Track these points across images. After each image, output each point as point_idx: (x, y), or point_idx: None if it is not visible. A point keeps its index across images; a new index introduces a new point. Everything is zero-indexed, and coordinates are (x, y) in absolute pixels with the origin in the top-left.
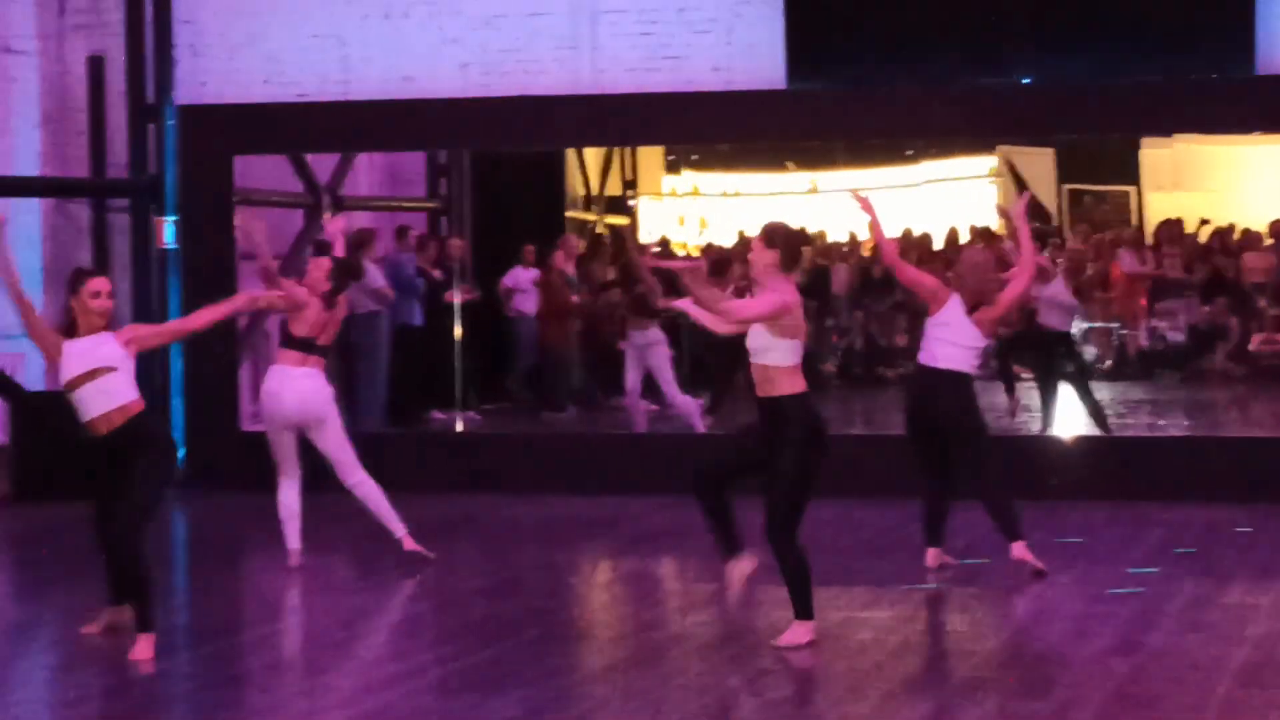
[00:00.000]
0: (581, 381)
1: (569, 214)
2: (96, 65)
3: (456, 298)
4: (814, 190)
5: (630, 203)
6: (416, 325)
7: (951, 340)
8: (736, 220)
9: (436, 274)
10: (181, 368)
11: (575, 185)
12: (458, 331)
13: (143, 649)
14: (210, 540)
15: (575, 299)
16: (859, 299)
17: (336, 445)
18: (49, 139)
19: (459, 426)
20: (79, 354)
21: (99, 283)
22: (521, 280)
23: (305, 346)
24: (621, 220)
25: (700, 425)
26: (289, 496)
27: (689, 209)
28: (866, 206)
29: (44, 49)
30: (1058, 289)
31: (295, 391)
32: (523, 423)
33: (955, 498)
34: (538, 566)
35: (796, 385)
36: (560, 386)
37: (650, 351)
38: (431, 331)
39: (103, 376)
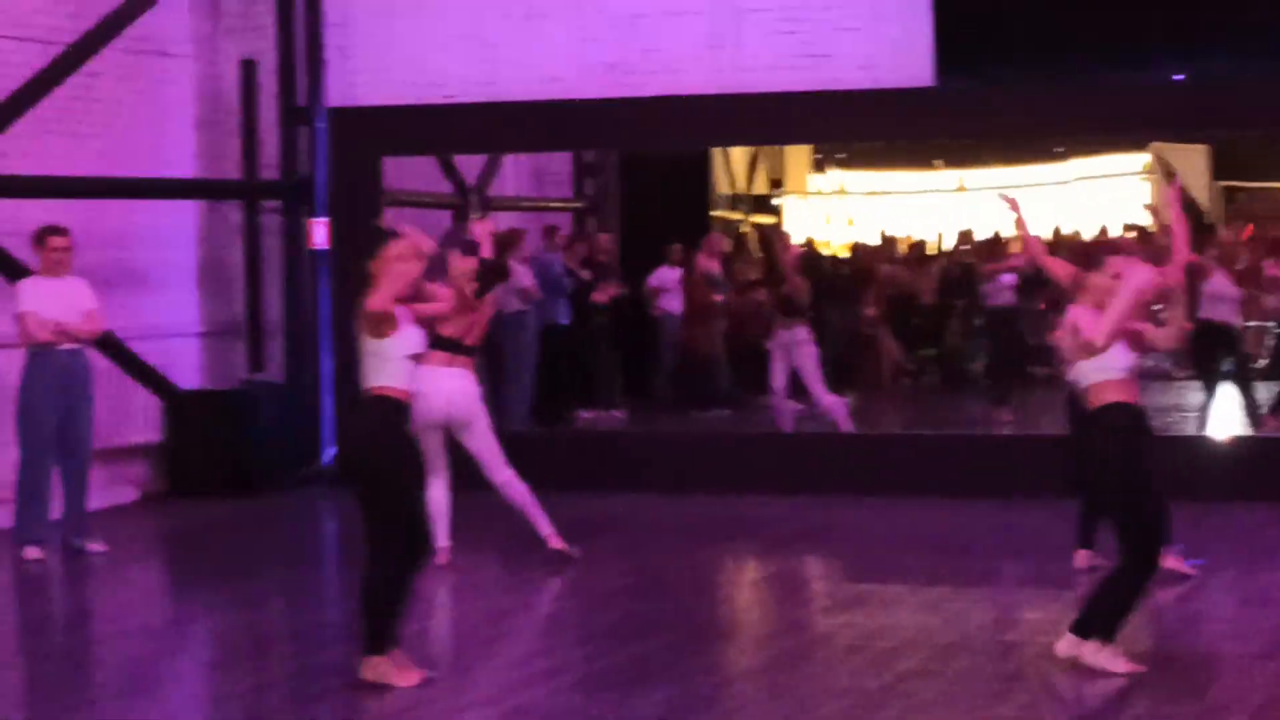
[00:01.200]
0: (727, 381)
1: (715, 213)
2: (249, 68)
3: (603, 297)
4: (962, 188)
5: (776, 201)
6: (563, 324)
7: None
8: (883, 219)
9: (583, 273)
10: (331, 365)
11: (721, 184)
12: (604, 331)
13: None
14: (357, 536)
15: (720, 298)
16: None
17: (484, 444)
18: (202, 141)
19: (604, 426)
20: (416, 334)
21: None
22: (667, 279)
23: (453, 347)
24: (767, 219)
25: (847, 424)
26: (437, 494)
27: (835, 207)
28: (1014, 206)
29: (198, 53)
30: (1220, 282)
31: (443, 391)
32: (668, 422)
33: None
34: (682, 566)
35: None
36: (705, 386)
37: (796, 350)
38: (578, 331)
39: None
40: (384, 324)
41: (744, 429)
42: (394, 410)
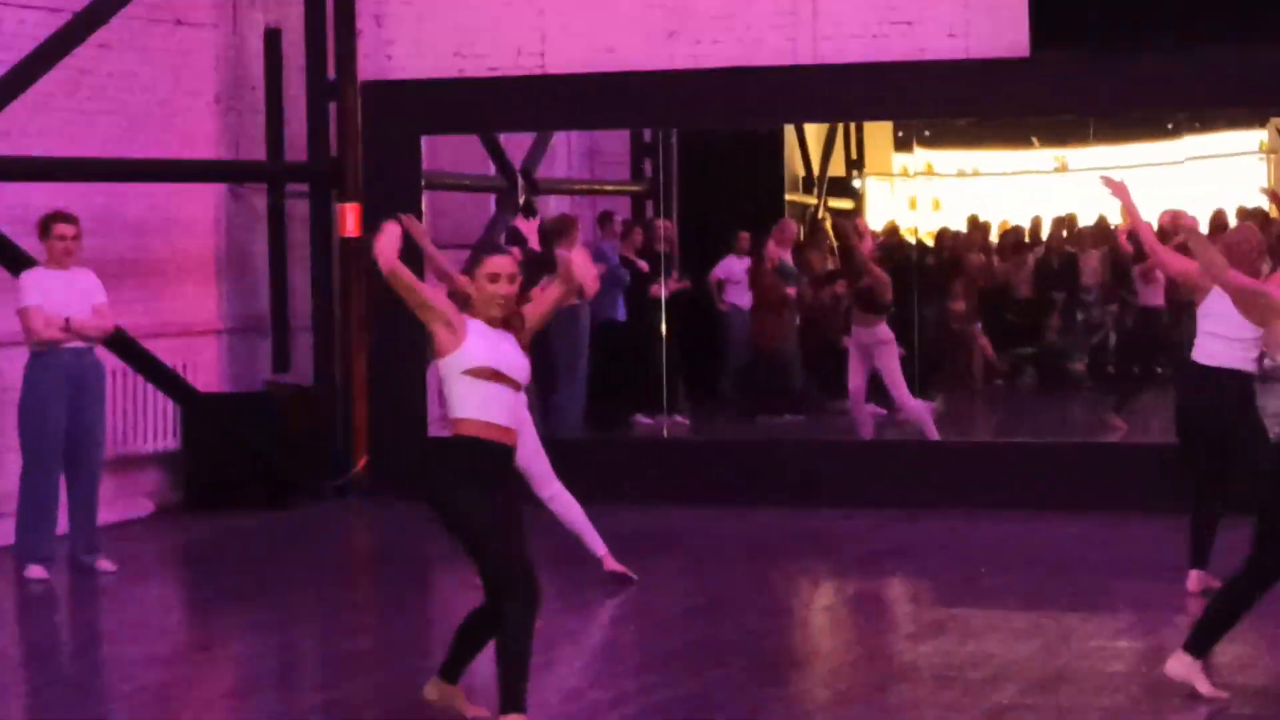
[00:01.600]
0: (800, 383)
1: (788, 197)
2: (273, 39)
3: (664, 290)
4: (1062, 168)
5: (856, 184)
6: (620, 321)
7: (1220, 333)
8: (974, 202)
9: (642, 264)
10: (366, 366)
11: (795, 165)
12: (665, 327)
13: None
14: (395, 553)
15: (793, 291)
16: (1112, 289)
17: (530, 454)
18: (223, 119)
19: (665, 432)
20: (491, 346)
21: (499, 262)
22: (734, 270)
23: None
24: (846, 204)
25: (934, 431)
26: None
27: (921, 190)
28: (1118, 191)
29: (218, 21)
30: None
31: None
32: (735, 428)
33: (1228, 513)
34: (750, 587)
35: None
36: (776, 388)
37: (877, 349)
38: (636, 327)
39: (509, 387)
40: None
41: (819, 436)
42: (459, 455)
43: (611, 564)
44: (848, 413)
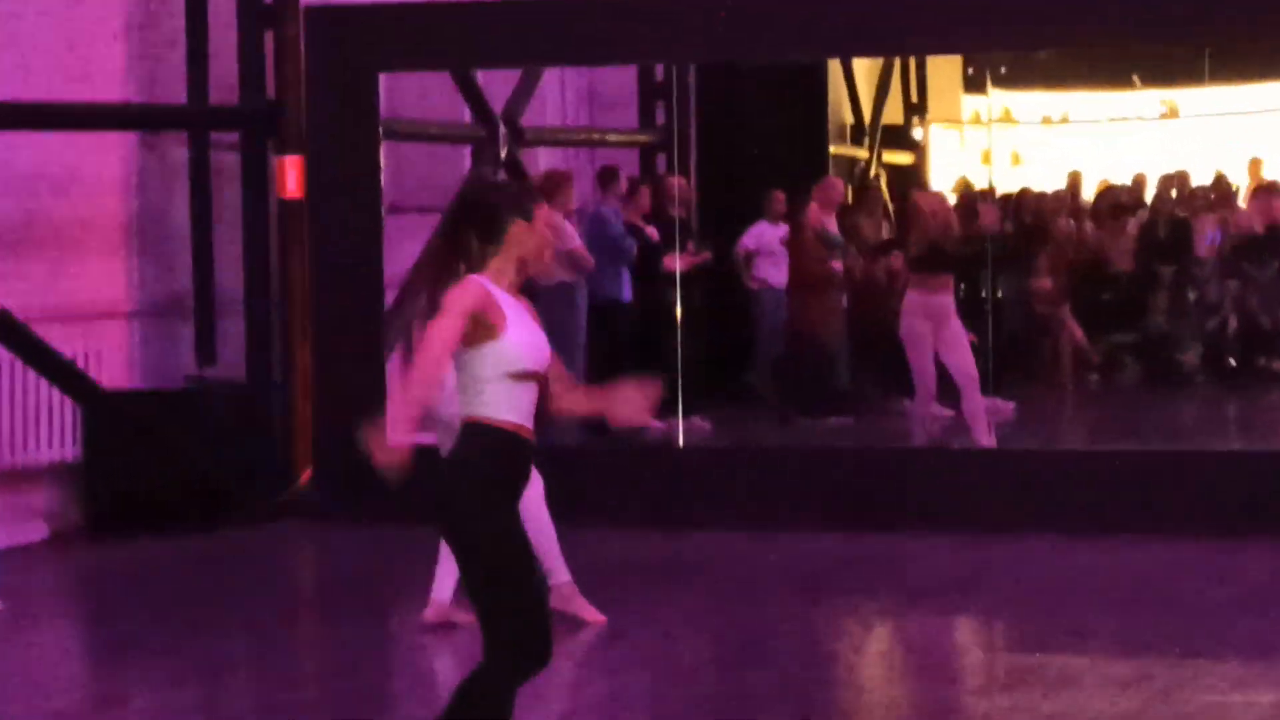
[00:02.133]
0: (847, 377)
1: (833, 149)
2: None
3: (678, 264)
4: (1171, 114)
5: (916, 133)
6: (625, 301)
7: None
8: (1062, 156)
9: (651, 232)
10: (310, 357)
11: (841, 110)
12: (680, 309)
13: None
14: (348, 586)
15: (838, 265)
16: (1233, 264)
17: None
18: (133, 53)
19: (680, 438)
20: (529, 335)
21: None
22: (766, 240)
23: None
24: (904, 157)
25: (987, 435)
26: None
27: (997, 140)
28: None
29: None
30: None
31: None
32: (766, 433)
33: None
34: (788, 628)
35: None
36: (818, 383)
37: (944, 336)
38: (644, 309)
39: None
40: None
41: (870, 443)
42: (498, 450)
43: (567, 600)
44: (905, 413)
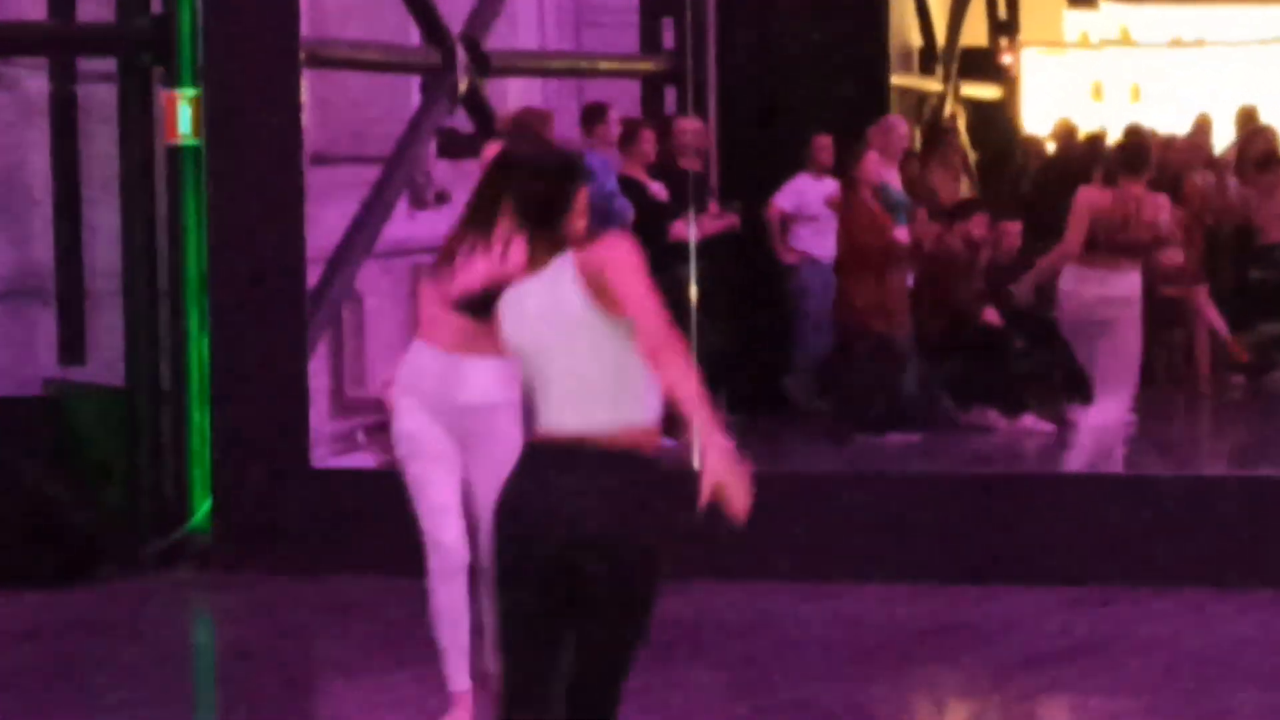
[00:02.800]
0: (916, 380)
1: (895, 80)
2: None
3: (692, 230)
4: None
5: (1006, 60)
6: None
7: None
8: (1193, 86)
9: (657, 188)
10: (207, 358)
11: (906, 30)
12: (695, 289)
13: None
14: (258, 655)
15: (903, 233)
16: None
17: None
18: None
19: (697, 460)
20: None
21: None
22: (809, 199)
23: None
24: (989, 90)
25: (1094, 451)
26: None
27: (1110, 68)
28: None
29: None
30: None
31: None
32: (812, 451)
33: None
34: (845, 708)
35: None
36: (878, 388)
37: (1119, 317)
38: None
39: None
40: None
41: (946, 468)
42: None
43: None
44: (991, 428)
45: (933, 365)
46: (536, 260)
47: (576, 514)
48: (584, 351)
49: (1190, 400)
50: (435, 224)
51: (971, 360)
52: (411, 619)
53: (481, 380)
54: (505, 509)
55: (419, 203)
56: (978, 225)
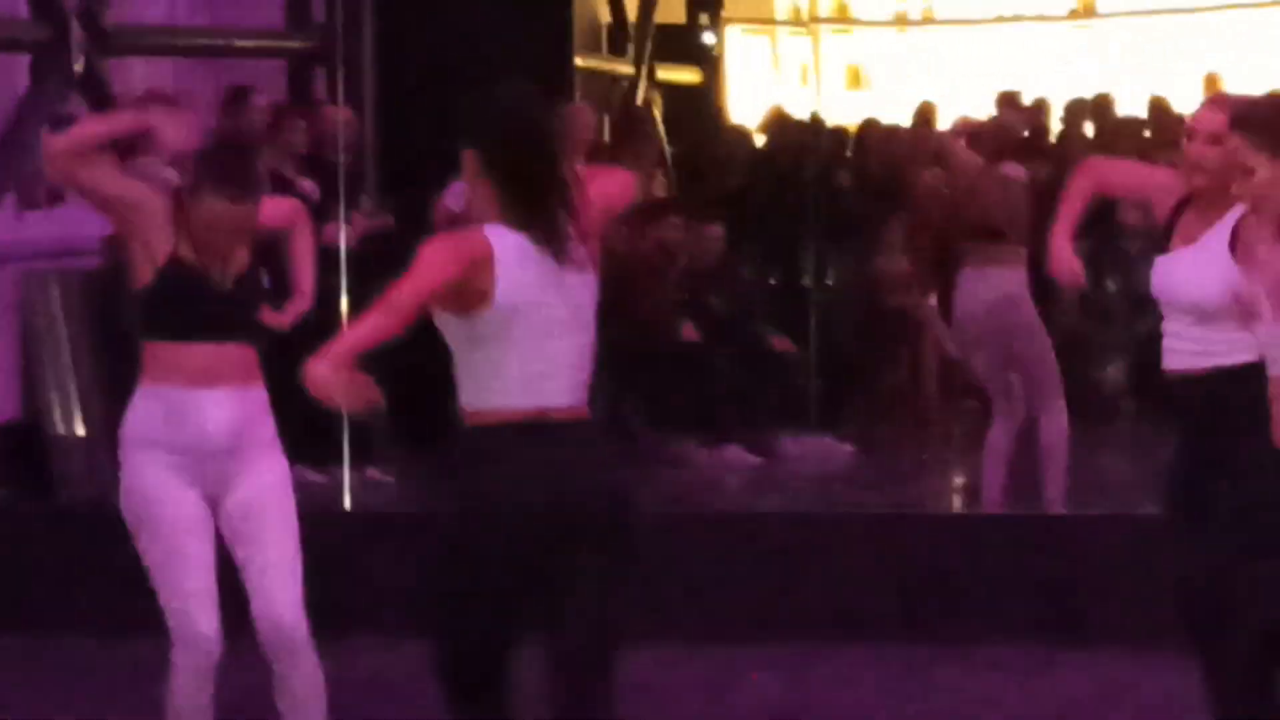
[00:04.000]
0: (604, 406)
1: (580, 62)
2: None
3: (343, 234)
4: (1085, 11)
5: (707, 38)
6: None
7: None
8: (924, 71)
9: (307, 186)
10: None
11: (593, 5)
12: (346, 300)
13: None
14: None
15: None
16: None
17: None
18: None
19: (346, 496)
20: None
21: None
22: None
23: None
24: (687, 74)
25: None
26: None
27: (828, 50)
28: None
29: None
30: None
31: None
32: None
33: None
34: None
35: None
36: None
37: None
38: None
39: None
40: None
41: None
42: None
43: None
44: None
45: (620, 387)
46: None
47: (618, 482)
48: (582, 329)
49: (916, 427)
50: (47, 227)
51: (665, 381)
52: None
53: (231, 415)
54: (533, 490)
55: (28, 202)
56: (672, 228)
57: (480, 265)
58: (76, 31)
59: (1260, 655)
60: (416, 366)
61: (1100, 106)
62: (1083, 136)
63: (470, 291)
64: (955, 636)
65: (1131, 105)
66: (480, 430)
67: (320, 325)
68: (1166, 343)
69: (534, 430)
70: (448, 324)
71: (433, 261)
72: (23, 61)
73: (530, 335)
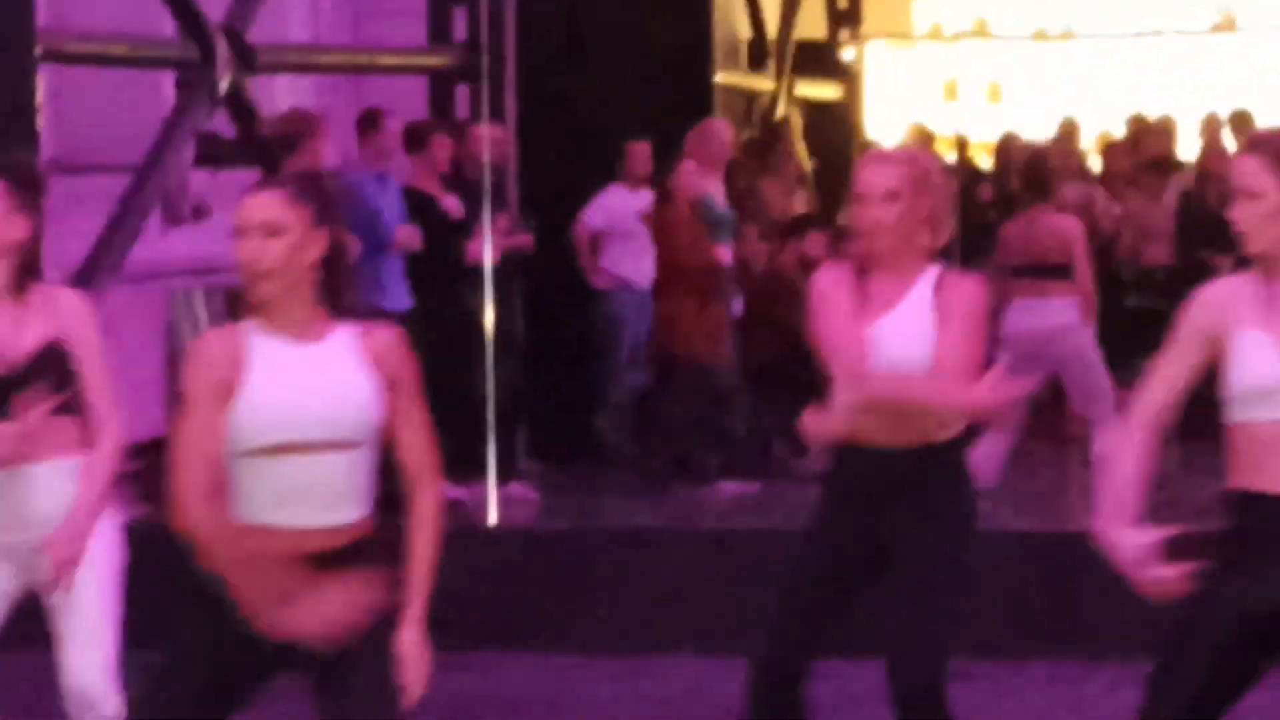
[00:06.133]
0: (743, 421)
1: (719, 78)
2: None
3: (488, 250)
4: (1227, 25)
5: (847, 54)
6: (402, 309)
7: None
8: (1059, 84)
9: (450, 202)
10: None
11: (733, 20)
12: (490, 317)
13: None
14: None
15: (727, 252)
16: None
17: None
18: None
19: (494, 514)
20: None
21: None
22: (621, 214)
23: None
24: (827, 89)
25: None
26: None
27: (965, 64)
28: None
29: None
30: None
31: None
32: (629, 505)
33: None
34: None
35: None
36: (701, 429)
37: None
38: (434, 319)
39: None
40: None
41: (779, 522)
42: None
43: None
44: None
45: (763, 403)
46: None
47: None
48: None
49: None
50: (192, 243)
51: (808, 398)
52: None
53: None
54: None
55: (174, 218)
56: (815, 244)
57: None
58: (222, 50)
59: None
60: (564, 365)
61: (1239, 121)
62: (1222, 151)
63: None
64: None
65: (1274, 118)
66: None
67: (463, 341)
68: None
69: None
70: None
71: None
72: (168, 79)
73: None
